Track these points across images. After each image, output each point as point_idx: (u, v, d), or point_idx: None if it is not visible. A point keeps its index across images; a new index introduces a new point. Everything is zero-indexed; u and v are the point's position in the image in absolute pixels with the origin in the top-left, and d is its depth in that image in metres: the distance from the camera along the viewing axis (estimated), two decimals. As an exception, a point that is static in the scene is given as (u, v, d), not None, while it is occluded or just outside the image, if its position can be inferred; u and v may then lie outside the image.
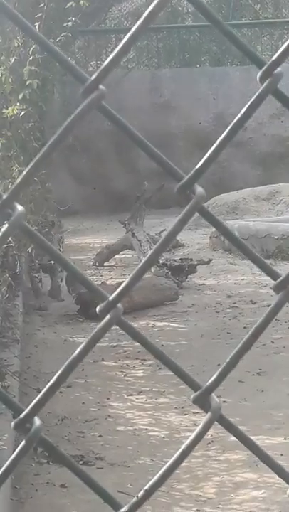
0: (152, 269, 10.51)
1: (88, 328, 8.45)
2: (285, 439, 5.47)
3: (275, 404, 6.21)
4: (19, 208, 0.73)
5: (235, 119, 0.77)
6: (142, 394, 6.56)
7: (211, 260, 10.92)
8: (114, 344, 8.02)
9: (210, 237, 12.53)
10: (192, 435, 0.77)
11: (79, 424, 5.89)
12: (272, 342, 7.72)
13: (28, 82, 5.55)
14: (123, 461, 5.28)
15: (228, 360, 0.79)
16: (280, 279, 0.79)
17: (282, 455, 5.08)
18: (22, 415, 0.73)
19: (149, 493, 0.76)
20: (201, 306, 9.27)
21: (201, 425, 0.76)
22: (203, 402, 0.76)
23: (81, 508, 4.63)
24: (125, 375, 7.09)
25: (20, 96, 5.59)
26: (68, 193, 15.44)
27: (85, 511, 4.58)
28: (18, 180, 0.73)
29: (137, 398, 6.49)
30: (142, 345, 0.75)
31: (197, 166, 0.76)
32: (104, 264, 11.73)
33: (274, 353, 7.45)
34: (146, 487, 0.77)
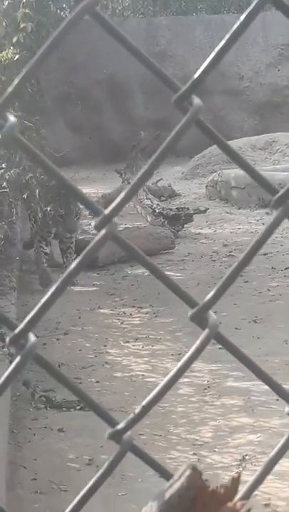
0: (148, 219, 10.50)
1: (85, 277, 8.45)
2: (281, 384, 5.50)
3: (271, 350, 6.24)
4: (11, 118, 0.71)
5: (234, 27, 0.75)
6: (138, 341, 6.59)
7: (207, 209, 10.89)
8: (111, 292, 8.04)
9: (206, 186, 12.49)
10: (190, 351, 0.76)
11: (76, 371, 5.92)
12: (269, 290, 7.73)
13: (21, 26, 5.47)
14: (120, 407, 5.31)
15: (226, 276, 0.78)
16: (280, 193, 0.77)
17: (277, 400, 5.11)
18: (16, 331, 0.72)
19: (146, 410, 0.75)
20: (198, 254, 9.27)
21: (198, 341, 0.75)
22: (200, 319, 0.75)
23: (79, 452, 4.67)
24: (122, 323, 7.11)
25: (15, 39, 5.51)
26: (64, 143, 15.32)
27: (83, 454, 4.62)
28: (10, 89, 0.71)
29: (133, 345, 6.52)
30: (134, 259, 0.73)
31: (195, 76, 0.74)
32: (101, 214, 11.69)
33: (270, 301, 7.47)
34: (144, 403, 0.77)
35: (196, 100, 0.73)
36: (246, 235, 9.93)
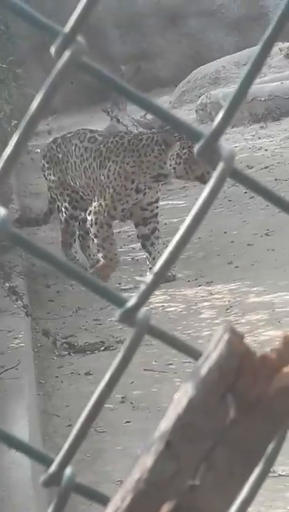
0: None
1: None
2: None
3: (288, 260, 6.09)
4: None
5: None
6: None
7: (200, 133, 10.67)
8: (117, 230, 7.87)
9: (196, 110, 12.23)
10: (204, 193, 0.59)
11: (94, 313, 5.79)
12: (276, 201, 7.56)
13: None
14: (144, 341, 5.15)
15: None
16: None
17: (303, 308, 4.99)
18: None
19: (158, 277, 0.59)
20: (198, 179, 9.07)
21: (213, 180, 0.59)
22: (210, 153, 0.58)
23: (110, 392, 4.55)
24: (132, 259, 6.97)
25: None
26: (45, 92, 15.04)
27: (114, 393, 4.48)
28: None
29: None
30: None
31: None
32: (95, 156, 11.47)
33: (279, 212, 7.19)
34: (155, 270, 0.60)
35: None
36: (244, 152, 9.70)
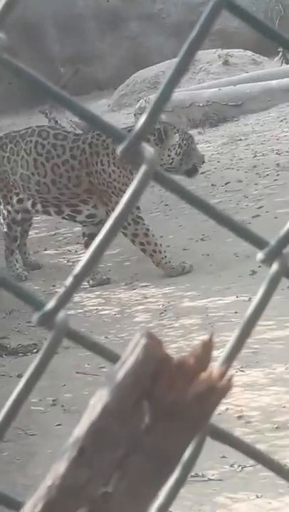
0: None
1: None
2: (237, 297, 5.39)
3: (223, 265, 6.12)
4: None
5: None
6: (87, 276, 6.42)
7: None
8: (53, 233, 7.83)
9: (134, 114, 12.23)
10: (129, 191, 0.58)
11: (28, 315, 5.73)
12: (212, 207, 7.59)
13: None
14: (77, 345, 5.15)
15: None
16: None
17: (236, 312, 5.01)
18: None
19: (78, 280, 0.58)
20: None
21: (135, 181, 0.58)
22: (132, 154, 0.57)
23: (41, 394, 4.52)
24: (68, 261, 6.94)
25: None
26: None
27: (46, 396, 4.48)
28: None
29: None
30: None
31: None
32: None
33: (215, 217, 7.32)
34: (75, 272, 0.59)
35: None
36: (181, 157, 9.74)
